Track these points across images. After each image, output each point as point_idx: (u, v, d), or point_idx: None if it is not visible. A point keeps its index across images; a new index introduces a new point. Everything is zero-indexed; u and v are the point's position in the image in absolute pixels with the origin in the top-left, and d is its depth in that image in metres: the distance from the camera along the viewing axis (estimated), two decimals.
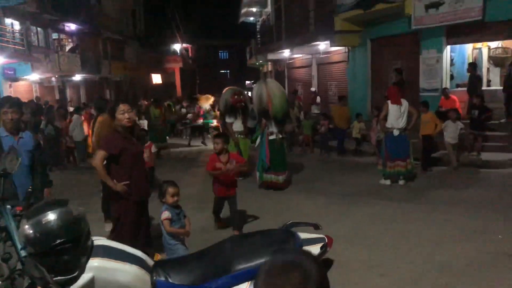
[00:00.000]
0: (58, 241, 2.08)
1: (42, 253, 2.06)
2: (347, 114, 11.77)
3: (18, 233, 2.39)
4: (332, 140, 11.79)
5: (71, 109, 13.95)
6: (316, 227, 2.88)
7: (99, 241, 2.38)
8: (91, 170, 5.34)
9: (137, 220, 4.05)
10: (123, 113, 3.90)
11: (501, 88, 10.53)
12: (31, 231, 2.11)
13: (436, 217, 5.81)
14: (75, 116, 11.26)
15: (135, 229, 4.04)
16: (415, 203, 6.53)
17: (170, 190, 3.81)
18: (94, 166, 3.91)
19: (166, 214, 3.77)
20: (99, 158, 3.85)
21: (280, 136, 7.96)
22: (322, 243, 2.60)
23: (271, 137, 7.86)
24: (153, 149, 7.47)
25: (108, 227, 5.89)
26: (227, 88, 9.17)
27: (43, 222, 2.13)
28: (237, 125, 8.65)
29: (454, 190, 7.27)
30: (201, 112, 15.59)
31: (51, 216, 2.17)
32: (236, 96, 8.58)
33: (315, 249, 2.54)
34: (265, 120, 7.93)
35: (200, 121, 15.42)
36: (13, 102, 4.12)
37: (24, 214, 2.30)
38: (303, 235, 2.62)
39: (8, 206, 2.55)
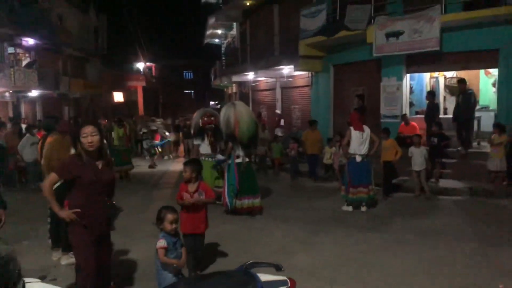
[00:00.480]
0: None
1: None
2: (319, 139, 11.25)
3: None
4: (300, 163, 11.63)
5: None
6: (278, 268, 2.70)
7: (32, 284, 2.10)
8: (41, 192, 5.00)
9: (95, 257, 3.61)
10: (86, 137, 3.54)
11: None
12: None
13: (397, 247, 5.77)
14: (26, 135, 10.62)
15: (95, 265, 3.61)
16: (377, 232, 6.50)
17: (169, 216, 3.59)
18: (43, 187, 3.65)
19: (162, 243, 3.55)
20: (49, 180, 3.62)
21: (247, 159, 7.79)
22: (285, 287, 2.43)
23: (237, 161, 7.68)
24: None
25: (56, 255, 5.49)
26: (199, 109, 8.93)
27: None
28: (204, 148, 8.40)
29: (414, 218, 7.31)
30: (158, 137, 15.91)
31: None
32: (205, 118, 8.37)
33: None
34: (232, 143, 7.76)
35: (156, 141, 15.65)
36: None
37: None
38: (264, 277, 2.44)
39: None
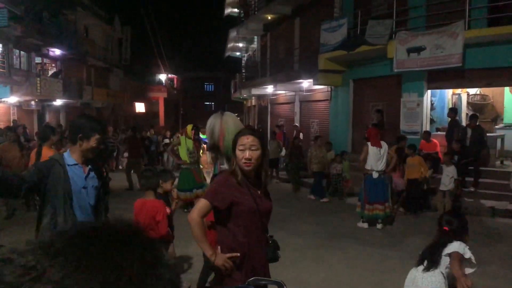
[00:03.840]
0: None
1: None
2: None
3: None
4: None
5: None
6: (280, 286, 2.61)
7: None
8: None
9: None
10: (243, 150, 2.58)
11: None
12: None
13: (412, 265, 5.56)
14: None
15: None
16: (392, 250, 6.31)
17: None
18: (189, 220, 2.58)
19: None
20: (198, 209, 2.59)
21: None
22: None
23: None
24: None
25: None
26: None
27: None
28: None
29: (431, 236, 7.06)
30: None
31: None
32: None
33: None
34: (215, 155, 7.34)
35: None
36: (105, 128, 3.18)
37: None
38: None
39: None
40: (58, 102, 22.78)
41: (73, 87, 23.53)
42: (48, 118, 23.21)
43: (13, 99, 18.29)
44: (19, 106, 20.02)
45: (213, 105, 49.23)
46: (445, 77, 10.81)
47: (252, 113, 25.99)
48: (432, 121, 11.89)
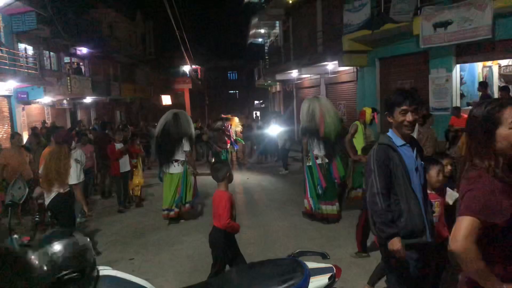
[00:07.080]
0: (64, 272, 2.03)
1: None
2: None
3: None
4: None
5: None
6: (324, 257, 2.79)
7: (105, 271, 2.32)
8: None
9: None
10: None
11: None
12: (36, 263, 2.07)
13: None
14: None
15: None
16: None
17: None
18: (458, 252, 1.79)
19: None
20: (465, 232, 1.80)
21: (327, 160, 6.96)
22: (330, 274, 2.52)
23: (318, 161, 6.99)
24: None
25: None
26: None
27: (49, 253, 2.09)
28: None
29: None
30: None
31: (58, 247, 2.13)
32: None
33: (323, 280, 2.46)
34: (311, 140, 6.97)
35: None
36: (415, 97, 2.91)
37: (30, 245, 2.26)
38: (311, 265, 2.54)
39: (15, 236, 2.51)
40: (88, 100, 23.48)
41: (101, 84, 24.20)
42: (79, 115, 23.98)
43: (46, 99, 18.98)
44: (52, 105, 20.75)
45: (237, 94, 49.47)
46: (475, 50, 10.61)
47: (277, 98, 26.08)
48: (462, 96, 11.71)
